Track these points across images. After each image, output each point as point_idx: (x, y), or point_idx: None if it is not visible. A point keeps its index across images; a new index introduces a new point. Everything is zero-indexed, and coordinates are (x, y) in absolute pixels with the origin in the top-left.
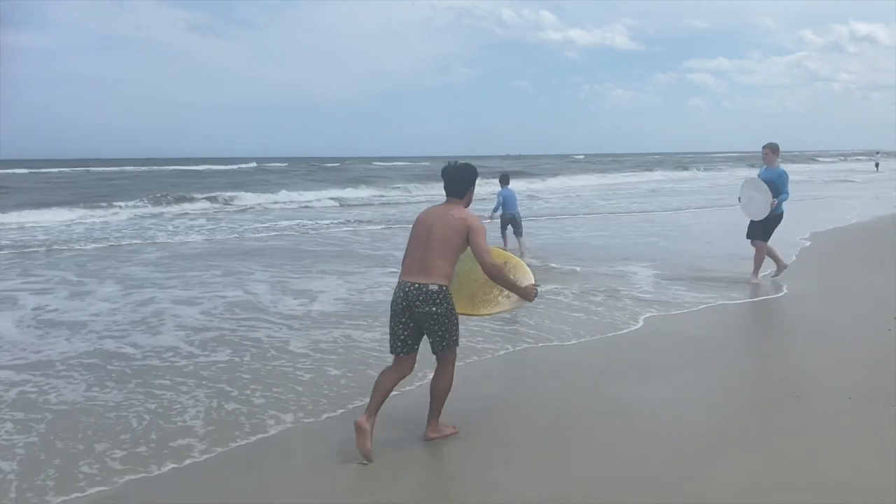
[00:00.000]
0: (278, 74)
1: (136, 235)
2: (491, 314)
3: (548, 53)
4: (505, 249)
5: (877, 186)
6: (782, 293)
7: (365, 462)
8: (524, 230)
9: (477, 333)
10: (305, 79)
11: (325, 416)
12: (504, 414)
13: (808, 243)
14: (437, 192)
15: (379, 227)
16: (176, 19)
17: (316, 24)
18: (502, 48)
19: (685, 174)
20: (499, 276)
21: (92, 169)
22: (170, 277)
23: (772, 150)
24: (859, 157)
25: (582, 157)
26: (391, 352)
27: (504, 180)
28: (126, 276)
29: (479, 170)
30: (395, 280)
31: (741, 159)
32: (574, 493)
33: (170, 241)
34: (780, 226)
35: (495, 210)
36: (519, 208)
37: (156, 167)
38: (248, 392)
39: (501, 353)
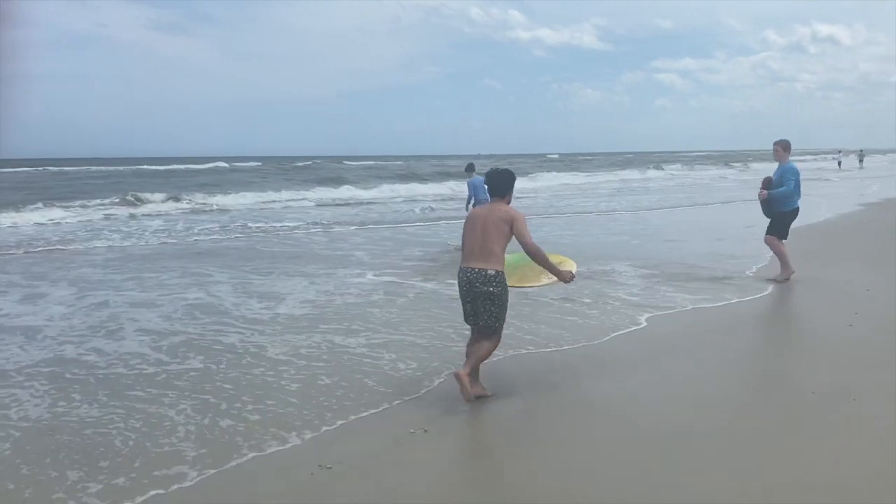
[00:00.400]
0: (246, 73)
1: (91, 237)
2: (533, 286)
3: (517, 52)
4: None
5: (846, 184)
6: (768, 291)
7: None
8: None
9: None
10: (274, 77)
11: (324, 429)
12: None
13: (785, 240)
14: (412, 192)
15: (352, 227)
16: (140, 17)
17: (283, 23)
18: (471, 47)
19: (661, 173)
20: (537, 255)
21: (51, 168)
22: (126, 279)
23: (782, 146)
24: (826, 157)
25: (556, 156)
26: (465, 322)
27: (470, 168)
28: (79, 278)
29: (450, 169)
30: (361, 281)
31: (710, 157)
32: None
33: (123, 243)
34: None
35: (469, 202)
36: None
37: (121, 167)
38: (239, 405)
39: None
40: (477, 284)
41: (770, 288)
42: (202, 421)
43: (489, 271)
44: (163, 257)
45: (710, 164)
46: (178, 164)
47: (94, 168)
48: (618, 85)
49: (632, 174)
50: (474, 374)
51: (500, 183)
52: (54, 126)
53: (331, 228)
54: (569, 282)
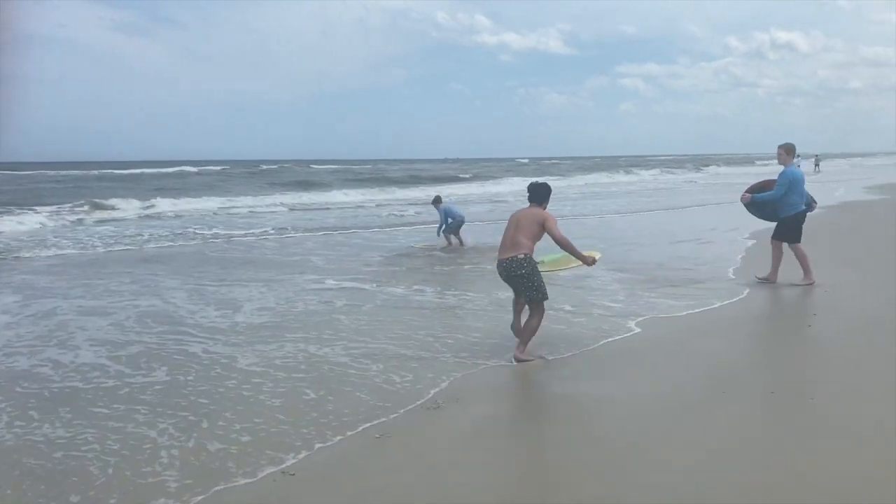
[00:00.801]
0: (210, 76)
1: (36, 244)
2: (564, 269)
3: (483, 57)
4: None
5: (809, 189)
6: (743, 295)
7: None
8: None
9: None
10: (239, 80)
11: (322, 447)
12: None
13: (751, 242)
14: (378, 196)
15: (315, 233)
16: (101, 18)
17: (247, 25)
18: (438, 51)
19: (630, 177)
20: (565, 244)
21: (4, 172)
22: (73, 287)
23: (784, 150)
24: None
25: (526, 160)
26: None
27: (437, 201)
28: (25, 285)
29: (418, 172)
30: (321, 287)
31: (676, 161)
32: None
33: (70, 250)
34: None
35: (441, 228)
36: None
37: (82, 171)
38: (224, 424)
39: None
40: (512, 271)
41: (746, 291)
42: (186, 443)
43: (518, 256)
44: (111, 263)
45: (676, 168)
46: (141, 167)
47: (51, 172)
48: (583, 90)
49: (600, 178)
50: (523, 341)
51: (537, 192)
52: (10, 129)
53: (291, 233)
54: (591, 265)
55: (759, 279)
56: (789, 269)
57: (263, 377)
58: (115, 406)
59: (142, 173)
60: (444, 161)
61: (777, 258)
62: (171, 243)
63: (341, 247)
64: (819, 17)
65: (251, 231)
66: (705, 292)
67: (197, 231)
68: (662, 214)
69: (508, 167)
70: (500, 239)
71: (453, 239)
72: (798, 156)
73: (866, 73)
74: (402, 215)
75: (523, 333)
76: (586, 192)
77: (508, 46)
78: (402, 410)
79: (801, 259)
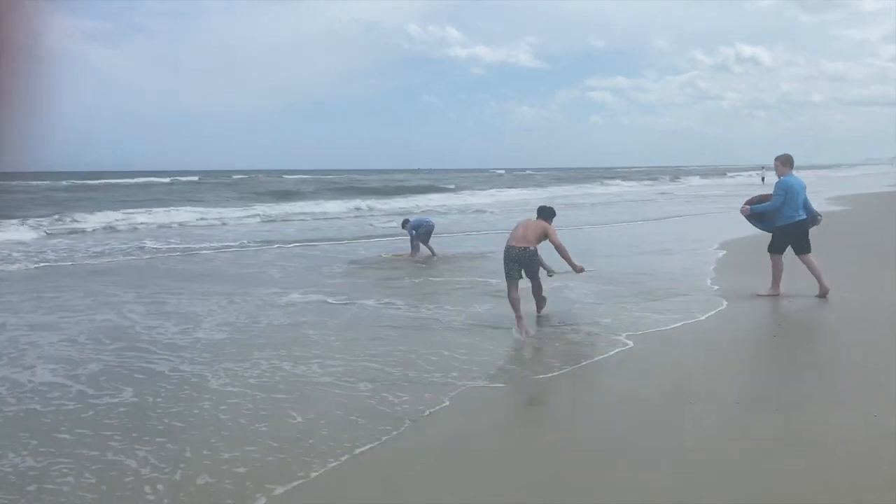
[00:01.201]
0: (182, 85)
1: None
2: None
3: (455, 69)
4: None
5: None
6: (723, 306)
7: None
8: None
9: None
10: (210, 90)
11: (314, 473)
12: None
13: (722, 252)
14: (349, 207)
15: (282, 245)
16: (70, 27)
17: (220, 35)
18: (410, 63)
19: (602, 189)
20: (561, 250)
21: None
22: (23, 301)
23: (780, 161)
24: (750, 173)
25: (503, 171)
26: (507, 280)
27: (406, 223)
28: None
29: (392, 182)
30: (286, 301)
31: (646, 173)
32: None
33: (17, 265)
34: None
35: (415, 247)
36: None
37: (51, 181)
38: (209, 452)
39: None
40: (526, 255)
41: (725, 303)
42: (172, 475)
43: (530, 248)
44: (65, 277)
45: (651, 180)
46: (112, 178)
47: (16, 183)
48: (553, 102)
49: (577, 189)
50: (539, 306)
51: (546, 212)
52: None
53: (256, 246)
54: (579, 272)
55: (761, 296)
56: (802, 280)
57: (241, 398)
58: (82, 431)
59: (109, 184)
60: (418, 172)
61: (777, 271)
62: (128, 256)
63: (305, 258)
64: (782, 32)
65: (215, 244)
66: (687, 304)
67: (155, 244)
68: (645, 225)
69: (486, 178)
70: (468, 250)
71: (423, 248)
72: (763, 167)
73: (828, 87)
74: (373, 226)
75: (539, 302)
76: (569, 203)
77: (480, 59)
78: (404, 431)
79: (810, 267)
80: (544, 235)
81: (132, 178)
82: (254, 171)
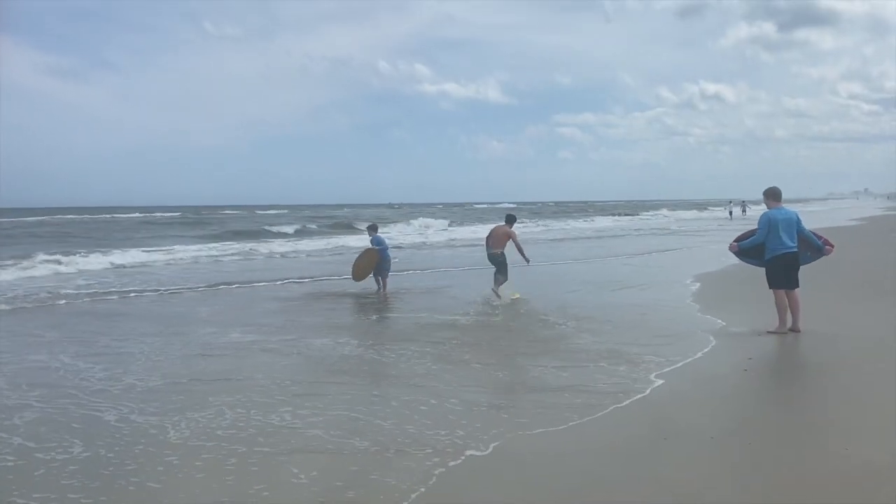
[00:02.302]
0: (150, 121)
1: None
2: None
3: (424, 105)
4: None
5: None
6: (711, 344)
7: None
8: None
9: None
10: (179, 125)
11: None
12: None
13: (697, 285)
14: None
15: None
16: (36, 62)
17: (188, 70)
18: (379, 99)
19: (579, 223)
20: (519, 247)
21: None
22: None
23: (766, 195)
24: (717, 207)
25: (485, 205)
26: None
27: (374, 228)
28: None
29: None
30: (227, 341)
31: (617, 206)
32: None
33: None
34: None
35: (380, 248)
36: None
37: (14, 218)
38: None
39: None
40: (498, 258)
41: (713, 340)
42: None
43: (503, 251)
44: None
45: (616, 214)
46: (79, 213)
47: None
48: (522, 137)
49: (556, 223)
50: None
51: (510, 218)
52: None
53: (196, 287)
54: (528, 262)
55: (770, 332)
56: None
57: (214, 452)
58: (40, 495)
59: (72, 220)
60: (391, 206)
61: (780, 306)
62: (62, 301)
63: (243, 296)
64: (744, 70)
65: (162, 287)
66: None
67: (96, 286)
68: (641, 258)
69: (468, 212)
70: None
71: (377, 282)
72: (731, 201)
73: (790, 122)
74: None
75: (499, 283)
76: (556, 237)
77: (449, 95)
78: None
79: (779, 304)
80: (508, 239)
81: (96, 214)
82: (224, 206)
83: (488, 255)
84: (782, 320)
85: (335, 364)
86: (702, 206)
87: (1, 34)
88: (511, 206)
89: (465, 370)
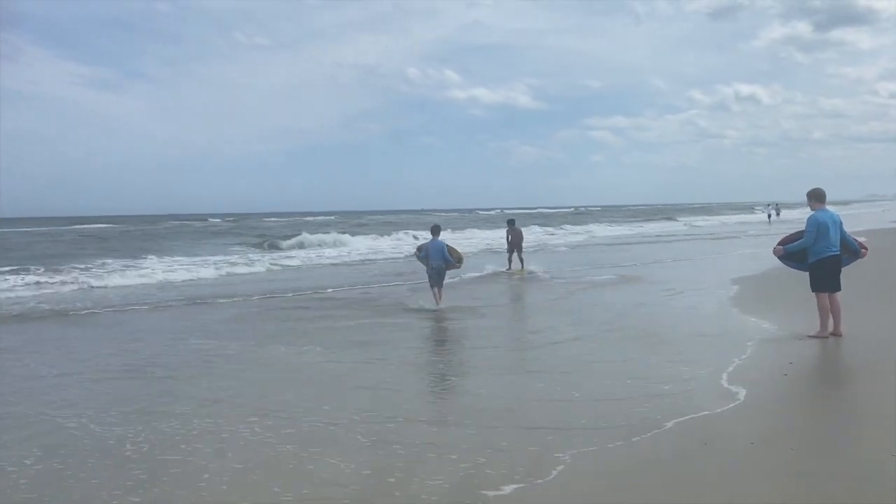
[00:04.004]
0: (185, 131)
1: None
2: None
3: (454, 111)
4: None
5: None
6: (750, 349)
7: None
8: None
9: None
10: (213, 134)
11: None
12: None
13: (735, 288)
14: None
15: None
16: (73, 74)
17: (220, 80)
18: (409, 105)
19: (619, 228)
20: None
21: None
22: None
23: (811, 196)
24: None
25: (520, 210)
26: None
27: (436, 230)
28: None
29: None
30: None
31: (654, 211)
32: None
33: None
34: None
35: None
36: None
37: (59, 227)
38: None
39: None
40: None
41: (752, 344)
42: None
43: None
44: None
45: (657, 218)
46: (119, 222)
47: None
48: (553, 142)
49: (624, 230)
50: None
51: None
52: None
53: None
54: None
55: (812, 337)
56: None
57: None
58: None
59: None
60: (421, 212)
61: (822, 310)
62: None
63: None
64: (777, 71)
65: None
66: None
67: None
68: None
69: (515, 216)
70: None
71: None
72: (769, 205)
73: (827, 123)
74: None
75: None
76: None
77: (478, 101)
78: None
79: (821, 308)
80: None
81: (119, 223)
82: (264, 213)
83: (433, 268)
84: (824, 325)
85: (298, 373)
86: (741, 208)
87: (39, 48)
88: (549, 210)
89: (514, 378)
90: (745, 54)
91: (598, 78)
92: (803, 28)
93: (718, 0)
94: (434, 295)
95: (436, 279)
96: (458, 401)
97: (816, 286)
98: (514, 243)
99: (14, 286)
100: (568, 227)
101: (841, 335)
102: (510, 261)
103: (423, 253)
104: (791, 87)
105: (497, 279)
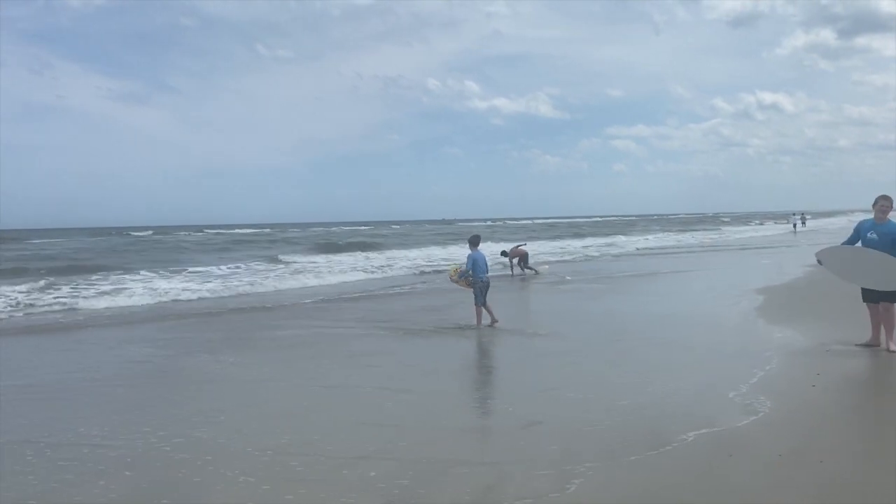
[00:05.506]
0: (210, 143)
1: None
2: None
3: (475, 121)
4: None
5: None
6: (777, 359)
7: None
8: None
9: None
10: (237, 146)
11: None
12: None
13: (761, 297)
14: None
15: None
16: (99, 88)
17: (243, 92)
18: (431, 116)
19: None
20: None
21: None
22: None
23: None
24: (779, 220)
25: (548, 220)
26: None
27: (475, 242)
28: None
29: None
30: None
31: (680, 221)
32: None
33: None
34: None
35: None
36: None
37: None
38: None
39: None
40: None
41: (778, 355)
42: None
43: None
44: None
45: (694, 227)
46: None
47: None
48: (575, 151)
49: (657, 239)
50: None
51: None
52: (8, 198)
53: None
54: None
55: (859, 346)
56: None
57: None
58: None
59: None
60: (442, 221)
61: (873, 320)
62: None
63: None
64: (801, 79)
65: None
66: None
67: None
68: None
69: (534, 229)
70: None
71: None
72: (794, 214)
73: (854, 131)
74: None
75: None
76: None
77: (499, 111)
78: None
79: (873, 319)
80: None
81: (169, 233)
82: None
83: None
84: (876, 334)
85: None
86: (770, 217)
87: (68, 62)
88: (574, 219)
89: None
90: (768, 62)
91: (619, 87)
92: (827, 35)
93: (738, 9)
94: (487, 311)
95: (485, 294)
96: (477, 414)
97: (865, 296)
98: (522, 259)
99: None
100: (595, 238)
101: (893, 351)
102: (514, 270)
103: (469, 266)
104: (815, 94)
105: (526, 285)
